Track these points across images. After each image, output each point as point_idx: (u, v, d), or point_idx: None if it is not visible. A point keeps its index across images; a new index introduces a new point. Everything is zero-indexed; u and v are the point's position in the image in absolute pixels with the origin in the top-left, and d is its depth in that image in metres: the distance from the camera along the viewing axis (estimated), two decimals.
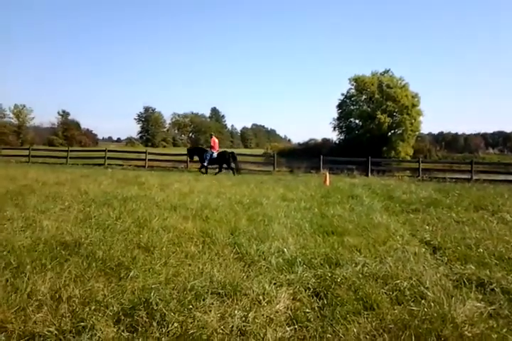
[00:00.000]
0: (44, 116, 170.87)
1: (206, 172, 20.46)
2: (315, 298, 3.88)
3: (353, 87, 62.61)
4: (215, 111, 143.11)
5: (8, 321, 3.13)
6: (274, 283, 4.13)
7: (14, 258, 4.49)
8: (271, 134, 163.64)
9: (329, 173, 17.35)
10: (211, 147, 21.07)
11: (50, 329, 3.04)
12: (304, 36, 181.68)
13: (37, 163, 25.47)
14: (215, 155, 20.75)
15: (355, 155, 32.12)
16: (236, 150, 34.51)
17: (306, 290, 4.00)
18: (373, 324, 3.34)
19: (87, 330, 3.02)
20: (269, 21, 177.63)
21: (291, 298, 3.84)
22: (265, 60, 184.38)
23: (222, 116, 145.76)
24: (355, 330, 3.22)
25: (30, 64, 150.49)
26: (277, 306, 3.61)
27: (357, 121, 62.35)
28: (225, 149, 24.28)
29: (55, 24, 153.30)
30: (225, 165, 21.23)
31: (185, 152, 24.30)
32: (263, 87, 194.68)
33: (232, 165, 21.21)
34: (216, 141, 21.46)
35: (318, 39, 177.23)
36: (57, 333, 3.00)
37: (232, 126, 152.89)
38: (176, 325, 3.15)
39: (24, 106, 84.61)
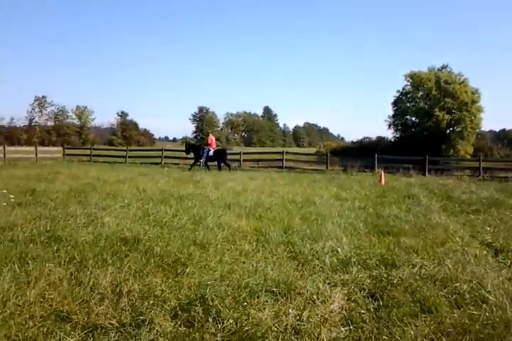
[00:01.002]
0: (104, 116, 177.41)
1: (208, 169, 20.90)
2: (370, 299, 3.82)
3: (408, 84, 60.73)
4: (267, 110, 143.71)
5: (73, 312, 3.29)
6: (328, 283, 4.11)
7: (78, 253, 4.71)
8: (323, 133, 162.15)
9: (384, 172, 16.97)
10: (208, 145, 21.68)
11: (112, 321, 3.16)
12: (360, 33, 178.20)
13: (98, 162, 26.53)
14: (211, 153, 21.31)
15: (412, 153, 31.13)
16: (288, 149, 34.50)
17: (361, 291, 3.94)
18: (431, 327, 3.24)
19: (145, 324, 3.12)
20: (321, 19, 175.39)
21: (346, 298, 3.80)
22: (318, 58, 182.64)
23: (275, 115, 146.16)
24: (412, 333, 3.14)
25: (91, 66, 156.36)
26: (332, 306, 3.58)
27: (413, 119, 60.36)
28: (220, 147, 24.96)
29: (115, 25, 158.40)
30: (223, 164, 21.67)
31: (238, 151, 24.82)
32: (316, 85, 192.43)
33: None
34: (213, 138, 22.35)
35: (374, 35, 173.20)
36: (118, 326, 3.12)
37: (285, 124, 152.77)
38: (231, 321, 3.20)
39: (86, 107, 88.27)
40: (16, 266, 4.19)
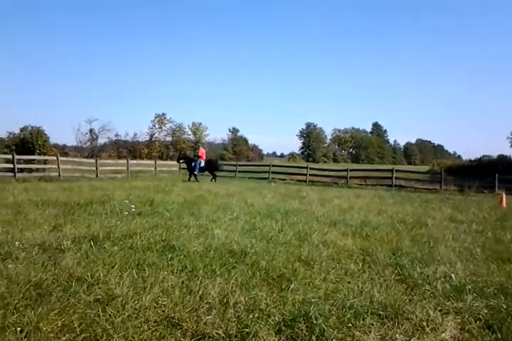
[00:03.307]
0: (217, 132, 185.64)
1: (197, 180, 21.56)
2: (487, 330, 3.52)
3: None
4: (376, 125, 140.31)
5: (183, 320, 3.46)
6: (440, 310, 3.86)
7: (189, 263, 4.96)
8: (437, 150, 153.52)
9: (506, 194, 15.66)
10: (199, 156, 22.64)
11: (218, 331, 3.27)
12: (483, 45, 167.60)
13: (210, 175, 27.81)
14: (202, 164, 22.42)
15: None
16: (398, 167, 33.30)
17: (476, 321, 3.66)
18: None
19: (250, 337, 3.19)
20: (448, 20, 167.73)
21: (459, 327, 3.55)
22: (431, 71, 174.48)
23: (385, 130, 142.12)
24: None
25: (206, 86, 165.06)
26: (443, 335, 3.37)
27: None
28: (211, 158, 26.18)
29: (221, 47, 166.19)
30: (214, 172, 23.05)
31: (345, 168, 25.03)
32: (431, 101, 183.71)
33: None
34: (203, 151, 23.86)
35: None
36: (224, 336, 3.22)
37: (395, 141, 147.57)
38: None
39: (200, 123, 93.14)
40: (135, 271, 4.53)
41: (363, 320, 3.55)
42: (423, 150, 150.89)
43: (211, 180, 22.22)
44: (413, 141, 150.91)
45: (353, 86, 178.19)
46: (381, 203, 13.07)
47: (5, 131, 24.07)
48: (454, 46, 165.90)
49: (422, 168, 61.03)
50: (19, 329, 3.13)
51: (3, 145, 24.45)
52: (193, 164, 22.30)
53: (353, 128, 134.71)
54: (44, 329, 3.15)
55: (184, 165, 24.52)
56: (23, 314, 3.40)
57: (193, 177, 21.99)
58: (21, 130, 23.42)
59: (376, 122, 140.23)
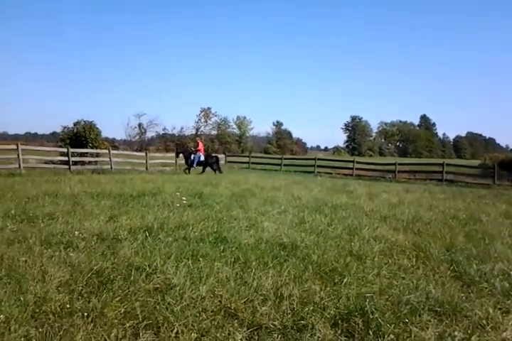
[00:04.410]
0: (261, 126, 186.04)
1: (188, 173, 21.54)
2: None
3: None
4: (424, 118, 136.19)
5: (239, 310, 3.54)
6: (500, 308, 3.77)
7: (242, 254, 5.04)
8: (489, 143, 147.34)
9: None
10: (198, 150, 22.28)
11: (274, 323, 3.33)
12: None
13: (255, 169, 28.04)
14: (202, 158, 22.04)
15: None
16: (448, 161, 32.36)
17: None
18: None
19: (307, 329, 3.22)
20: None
21: None
22: (483, 60, 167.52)
23: (433, 124, 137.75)
24: None
25: (250, 81, 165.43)
26: (504, 334, 3.28)
27: None
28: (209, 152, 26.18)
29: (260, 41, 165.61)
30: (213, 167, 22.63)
31: (393, 162, 24.64)
32: (481, 92, 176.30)
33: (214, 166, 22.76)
34: (202, 144, 23.52)
35: None
36: (280, 328, 3.27)
37: (444, 134, 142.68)
38: (392, 336, 3.12)
39: (245, 117, 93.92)
40: (190, 262, 4.65)
41: (420, 316, 3.51)
42: (474, 143, 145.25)
43: (215, 172, 22.08)
44: (463, 134, 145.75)
45: (402, 77, 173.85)
46: (432, 198, 12.75)
47: (59, 125, 24.87)
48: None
49: (473, 162, 58.93)
50: (86, 314, 3.30)
51: (58, 138, 25.37)
52: (192, 157, 22.12)
53: (400, 121, 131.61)
54: (108, 315, 3.31)
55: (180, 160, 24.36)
56: (88, 300, 3.58)
57: (193, 170, 21.92)
58: (75, 124, 24.24)
59: (424, 115, 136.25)
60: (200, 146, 22.96)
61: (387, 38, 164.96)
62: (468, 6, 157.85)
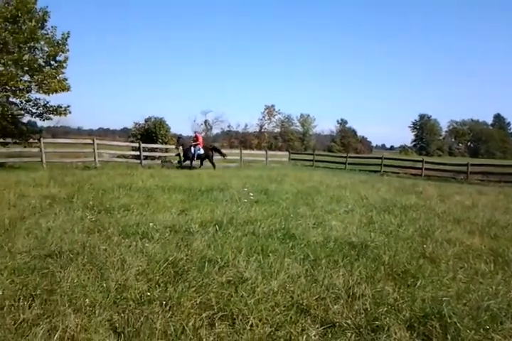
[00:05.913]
0: (325, 124, 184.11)
1: (180, 166, 21.06)
2: None
3: None
4: (498, 117, 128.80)
5: (311, 307, 3.54)
6: None
7: (311, 252, 5.03)
8: None
9: None
10: (198, 144, 21.49)
11: (347, 321, 3.30)
12: None
13: (319, 167, 27.81)
14: (202, 151, 21.56)
15: None
16: None
17: None
18: None
19: (383, 330, 3.16)
20: None
21: None
22: None
23: (508, 123, 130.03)
24: None
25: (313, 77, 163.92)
26: None
27: None
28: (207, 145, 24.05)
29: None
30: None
31: (464, 162, 24.56)
32: None
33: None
34: (200, 137, 22.70)
35: None
36: (354, 327, 3.23)
37: None
38: None
39: (308, 115, 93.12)
40: (261, 257, 4.71)
41: (501, 323, 3.35)
42: None
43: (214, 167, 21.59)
44: None
45: (475, 75, 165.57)
46: (507, 201, 12.06)
47: (132, 121, 25.97)
48: None
49: None
50: (164, 302, 3.43)
51: (130, 134, 26.42)
52: (192, 150, 21.56)
53: (472, 120, 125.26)
54: (185, 304, 3.41)
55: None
56: (165, 289, 3.72)
57: (188, 163, 21.40)
58: (146, 121, 25.16)
59: (498, 114, 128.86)
60: (200, 140, 22.42)
61: (459, 35, 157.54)
62: None
